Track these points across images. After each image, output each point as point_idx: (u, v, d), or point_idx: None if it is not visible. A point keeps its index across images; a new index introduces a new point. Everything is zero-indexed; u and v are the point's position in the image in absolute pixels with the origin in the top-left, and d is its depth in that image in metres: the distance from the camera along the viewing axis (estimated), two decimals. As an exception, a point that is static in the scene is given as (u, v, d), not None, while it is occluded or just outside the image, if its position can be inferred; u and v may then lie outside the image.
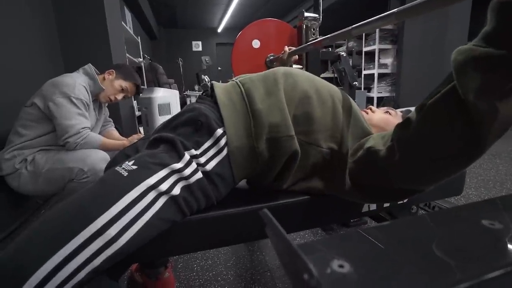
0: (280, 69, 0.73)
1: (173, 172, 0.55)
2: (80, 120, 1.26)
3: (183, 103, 4.76)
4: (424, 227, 0.26)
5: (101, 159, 1.26)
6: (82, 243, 0.44)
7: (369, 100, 4.03)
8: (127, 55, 3.04)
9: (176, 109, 2.43)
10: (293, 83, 0.69)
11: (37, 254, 0.43)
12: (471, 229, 0.24)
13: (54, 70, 2.05)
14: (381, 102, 3.98)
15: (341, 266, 0.22)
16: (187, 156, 0.57)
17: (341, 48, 4.73)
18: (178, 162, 0.56)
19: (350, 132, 0.68)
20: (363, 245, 0.25)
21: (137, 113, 3.04)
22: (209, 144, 0.61)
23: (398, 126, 0.51)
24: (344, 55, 1.49)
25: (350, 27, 0.81)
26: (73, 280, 0.44)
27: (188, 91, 6.71)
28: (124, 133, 1.73)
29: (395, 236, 0.25)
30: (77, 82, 1.28)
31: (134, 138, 1.48)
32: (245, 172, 0.65)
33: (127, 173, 0.52)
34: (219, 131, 0.61)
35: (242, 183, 0.77)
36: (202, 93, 0.76)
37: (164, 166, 0.54)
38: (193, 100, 6.48)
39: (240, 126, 0.63)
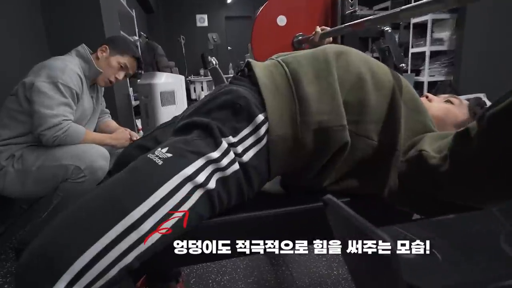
0: (330, 48, 0.76)
1: (210, 162, 0.60)
2: (63, 110, 1.29)
3: (186, 90, 4.84)
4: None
5: (99, 155, 1.33)
6: (116, 237, 0.50)
7: (418, 85, 3.96)
8: (122, 32, 3.14)
9: (181, 97, 2.50)
10: (346, 64, 0.72)
11: (71, 248, 0.49)
12: None
13: (37, 52, 2.11)
14: (434, 87, 3.91)
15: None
16: (224, 144, 0.61)
17: (382, 20, 4.66)
18: (214, 150, 0.60)
19: (407, 125, 0.70)
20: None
21: (134, 103, 3.15)
22: (248, 132, 0.65)
23: (456, 136, 0.53)
24: (389, 30, 1.50)
25: (398, 9, 0.82)
26: (105, 278, 0.50)
27: (192, 76, 6.77)
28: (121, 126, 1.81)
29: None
30: (69, 67, 1.34)
31: (119, 136, 1.54)
32: (283, 166, 0.70)
33: (162, 162, 0.57)
34: (260, 117, 0.65)
35: (271, 186, 0.81)
36: (237, 73, 0.80)
37: (200, 154, 0.59)
38: (198, 87, 6.57)
39: (284, 113, 0.67)
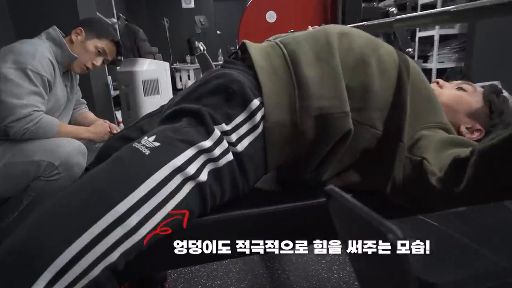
0: (333, 28, 0.76)
1: (202, 151, 0.59)
2: (34, 100, 1.27)
3: (171, 79, 4.80)
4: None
5: (75, 150, 1.30)
6: (101, 232, 0.50)
7: (426, 73, 3.97)
8: (98, 14, 3.10)
9: (166, 86, 2.48)
10: (349, 46, 0.72)
11: (52, 243, 0.48)
12: None
13: (0, 35, 2.07)
14: (444, 75, 3.93)
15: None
16: (217, 132, 0.61)
17: (387, 1, 4.66)
18: (206, 139, 0.60)
19: (414, 111, 0.71)
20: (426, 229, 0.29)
21: (113, 93, 3.12)
22: (242, 118, 0.65)
23: (452, 164, 0.54)
24: (395, 11, 1.51)
25: (392, 19, 0.87)
26: (88, 277, 0.49)
27: (178, 63, 6.74)
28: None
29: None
30: (39, 51, 1.31)
31: (98, 129, 1.51)
32: (281, 157, 0.69)
33: (149, 151, 0.57)
34: (255, 102, 0.65)
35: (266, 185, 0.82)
36: (230, 56, 0.80)
37: (191, 144, 0.59)
38: (184, 75, 6.53)
39: (282, 97, 0.67)
